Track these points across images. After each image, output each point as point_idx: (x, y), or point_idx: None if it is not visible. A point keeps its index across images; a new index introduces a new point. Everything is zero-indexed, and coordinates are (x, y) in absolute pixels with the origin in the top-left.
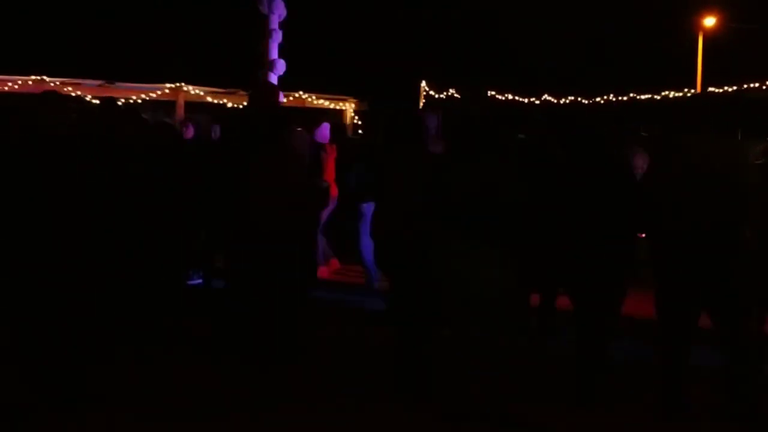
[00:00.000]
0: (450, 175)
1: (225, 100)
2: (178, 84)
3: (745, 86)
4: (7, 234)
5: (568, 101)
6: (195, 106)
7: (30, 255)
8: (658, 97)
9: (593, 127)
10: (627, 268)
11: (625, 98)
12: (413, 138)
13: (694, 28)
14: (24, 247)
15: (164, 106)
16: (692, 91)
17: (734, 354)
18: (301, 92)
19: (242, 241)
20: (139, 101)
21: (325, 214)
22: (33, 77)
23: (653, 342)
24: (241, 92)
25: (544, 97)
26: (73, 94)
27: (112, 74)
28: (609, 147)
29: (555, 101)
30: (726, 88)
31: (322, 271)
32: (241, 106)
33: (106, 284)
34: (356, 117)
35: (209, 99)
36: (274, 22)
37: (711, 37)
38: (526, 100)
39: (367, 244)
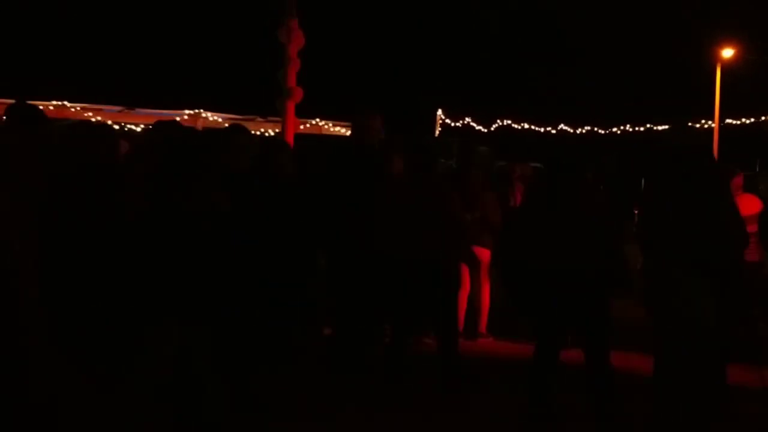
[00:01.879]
0: (664, 208)
1: None
2: (196, 110)
3: (763, 118)
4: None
5: (584, 131)
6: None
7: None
8: None
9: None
10: None
11: (641, 129)
12: (576, 169)
13: (713, 59)
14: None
15: None
16: (710, 122)
17: None
18: (317, 119)
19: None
20: None
21: None
22: (54, 102)
23: None
24: (259, 119)
25: (560, 126)
26: (94, 120)
27: (131, 100)
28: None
29: (571, 131)
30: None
31: None
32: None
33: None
34: None
35: (227, 125)
36: (293, 51)
37: (729, 69)
38: (542, 129)
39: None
